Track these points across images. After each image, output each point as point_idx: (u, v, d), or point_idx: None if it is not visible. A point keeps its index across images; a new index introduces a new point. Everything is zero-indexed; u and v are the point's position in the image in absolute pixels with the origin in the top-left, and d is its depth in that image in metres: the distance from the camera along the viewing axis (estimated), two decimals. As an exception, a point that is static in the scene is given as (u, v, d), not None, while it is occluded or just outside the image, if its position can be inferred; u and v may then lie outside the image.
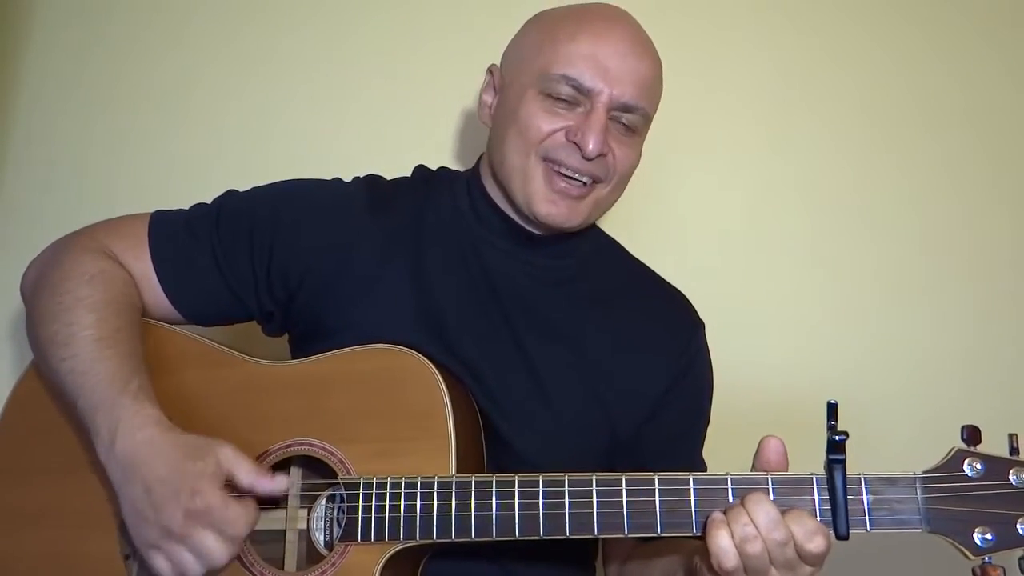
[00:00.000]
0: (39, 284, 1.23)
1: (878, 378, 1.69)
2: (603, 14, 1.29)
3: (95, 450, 1.10)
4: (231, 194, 1.33)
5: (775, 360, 1.69)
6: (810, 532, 0.99)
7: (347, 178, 1.35)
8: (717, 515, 1.02)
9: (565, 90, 1.23)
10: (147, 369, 1.16)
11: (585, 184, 1.25)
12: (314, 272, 1.26)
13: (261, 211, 1.29)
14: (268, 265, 1.26)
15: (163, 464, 1.05)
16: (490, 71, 1.36)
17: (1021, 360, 1.71)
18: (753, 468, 1.06)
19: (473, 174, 1.36)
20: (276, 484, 1.07)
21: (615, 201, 1.32)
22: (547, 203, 1.25)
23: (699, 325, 1.37)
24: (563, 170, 1.24)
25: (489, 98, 1.34)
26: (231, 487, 1.06)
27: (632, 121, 1.26)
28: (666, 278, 1.41)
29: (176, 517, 1.03)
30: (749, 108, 1.77)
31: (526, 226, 1.30)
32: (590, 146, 1.21)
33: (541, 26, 1.31)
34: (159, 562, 1.05)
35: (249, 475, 1.06)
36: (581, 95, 1.23)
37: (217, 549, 1.03)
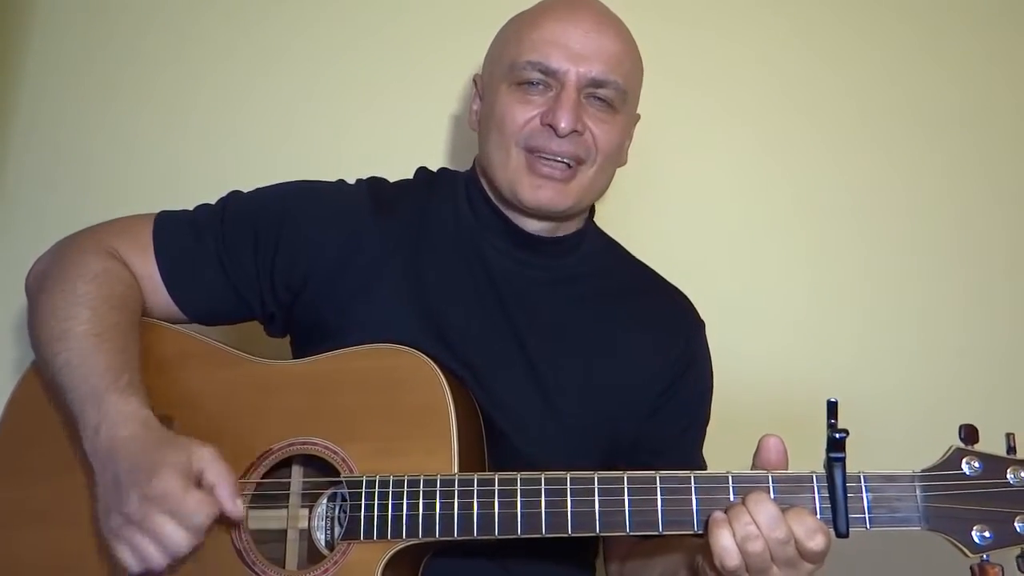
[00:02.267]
0: (42, 283, 1.23)
1: (876, 376, 1.70)
2: (569, 1, 1.30)
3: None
4: (235, 195, 1.33)
5: (774, 359, 1.69)
6: (811, 530, 1.00)
7: (350, 180, 1.36)
8: (718, 514, 1.03)
9: (534, 76, 1.25)
10: (141, 365, 1.16)
11: (569, 166, 1.26)
12: (317, 273, 1.27)
13: (265, 212, 1.29)
14: (272, 266, 1.27)
15: (135, 455, 1.05)
16: (474, 80, 1.39)
17: (1018, 359, 1.72)
18: (753, 467, 1.06)
19: (470, 176, 1.37)
20: (231, 505, 1.04)
21: (604, 185, 1.33)
22: (533, 189, 1.26)
23: (700, 324, 1.38)
24: (543, 155, 1.25)
25: (476, 106, 1.37)
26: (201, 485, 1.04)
27: (608, 96, 1.27)
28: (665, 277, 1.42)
29: (134, 501, 1.02)
30: (746, 109, 1.78)
31: (524, 226, 1.31)
32: (562, 124, 1.23)
33: (509, 24, 1.35)
34: (122, 551, 1.04)
35: (217, 477, 1.04)
36: (550, 78, 1.25)
37: (175, 535, 1.01)
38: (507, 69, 1.28)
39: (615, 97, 1.27)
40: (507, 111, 1.27)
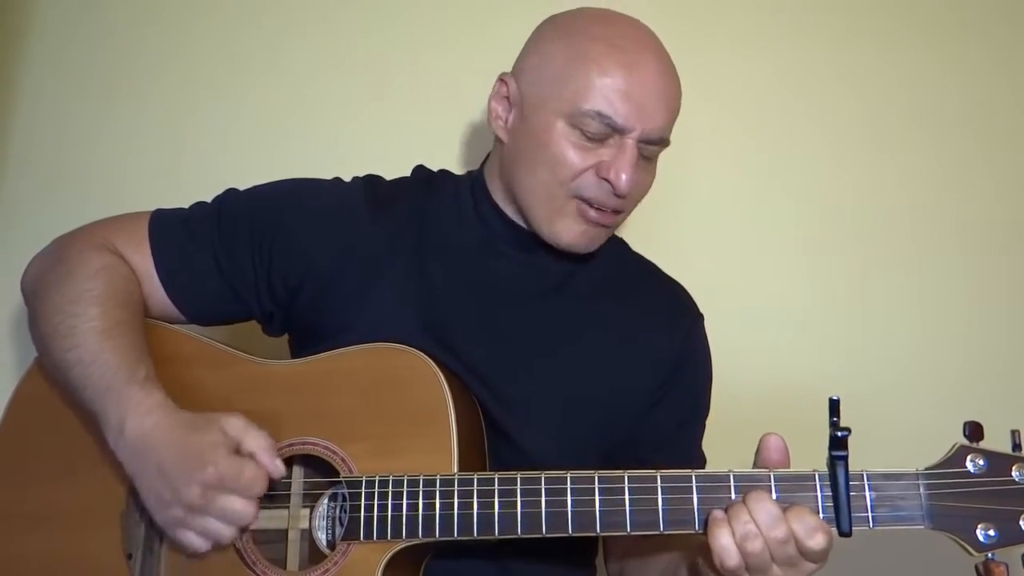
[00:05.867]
0: (41, 279, 1.23)
1: (878, 374, 1.69)
2: (633, 38, 1.24)
3: (102, 442, 1.11)
4: (231, 193, 1.33)
5: (774, 356, 1.68)
6: (811, 529, 0.99)
7: (347, 178, 1.35)
8: (718, 513, 1.02)
9: (598, 127, 1.20)
10: (151, 359, 1.16)
11: (611, 215, 1.25)
12: (315, 273, 1.26)
13: (261, 211, 1.28)
14: (269, 266, 1.26)
15: (172, 444, 1.07)
16: (503, 80, 1.29)
17: (1021, 356, 1.71)
18: (755, 466, 1.06)
19: (478, 178, 1.35)
20: (277, 465, 1.09)
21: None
22: (570, 232, 1.24)
23: (698, 316, 1.37)
24: (593, 206, 1.23)
25: (501, 109, 1.29)
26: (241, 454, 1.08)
27: (654, 152, 1.25)
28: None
29: (194, 491, 1.05)
30: (747, 108, 1.77)
31: (530, 230, 1.30)
32: (623, 185, 1.19)
33: (569, 47, 1.23)
34: (190, 538, 1.08)
35: (256, 445, 1.09)
36: (614, 131, 1.21)
37: (245, 509, 1.07)
38: (567, 107, 1.20)
39: (661, 151, 1.26)
40: (564, 154, 1.21)
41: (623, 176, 1.19)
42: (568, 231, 1.24)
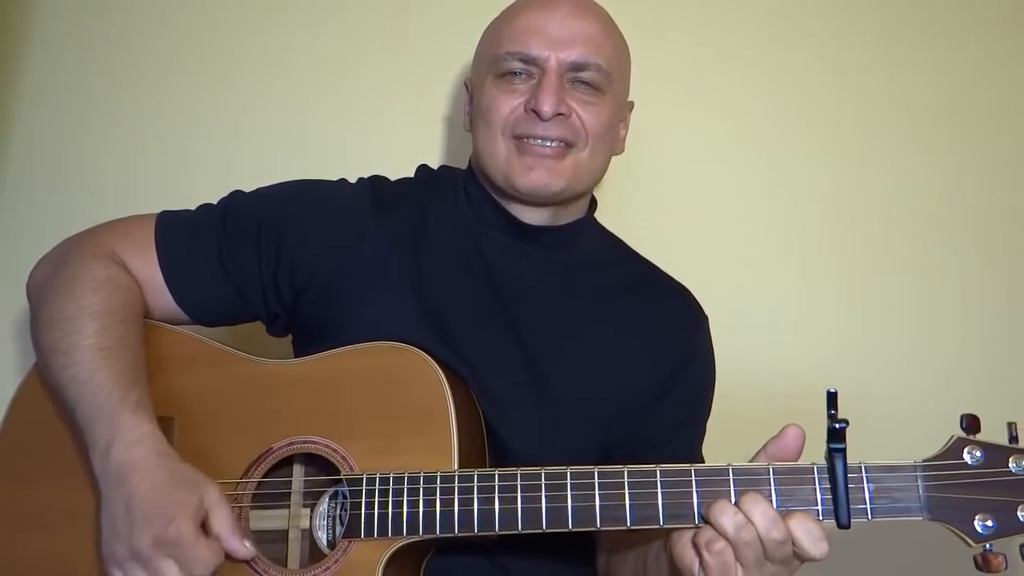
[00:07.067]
0: (44, 288, 1.23)
1: (877, 370, 1.69)
2: None
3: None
4: (236, 195, 1.33)
5: (773, 354, 1.69)
6: (817, 538, 0.98)
7: (352, 179, 1.36)
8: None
9: (516, 65, 1.26)
10: (148, 379, 1.16)
11: (557, 146, 1.26)
12: (320, 273, 1.26)
13: (267, 212, 1.29)
14: (275, 267, 1.27)
15: (149, 485, 1.05)
16: (465, 84, 1.40)
17: (1018, 348, 1.71)
18: (765, 450, 1.05)
19: (468, 172, 1.37)
20: (242, 548, 1.06)
21: (599, 169, 1.32)
22: (525, 172, 1.26)
23: (703, 319, 1.37)
24: (530, 140, 1.26)
25: (468, 108, 1.38)
26: (206, 529, 1.06)
27: (591, 79, 1.27)
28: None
29: (145, 540, 1.03)
30: (745, 107, 1.78)
31: (521, 217, 1.31)
32: (545, 107, 1.23)
33: (491, 22, 1.36)
34: None
35: (222, 526, 1.05)
36: (531, 66, 1.26)
37: None
38: (490, 63, 1.29)
39: (599, 79, 1.27)
40: (492, 103, 1.27)
41: (543, 99, 1.23)
42: (520, 173, 1.26)
